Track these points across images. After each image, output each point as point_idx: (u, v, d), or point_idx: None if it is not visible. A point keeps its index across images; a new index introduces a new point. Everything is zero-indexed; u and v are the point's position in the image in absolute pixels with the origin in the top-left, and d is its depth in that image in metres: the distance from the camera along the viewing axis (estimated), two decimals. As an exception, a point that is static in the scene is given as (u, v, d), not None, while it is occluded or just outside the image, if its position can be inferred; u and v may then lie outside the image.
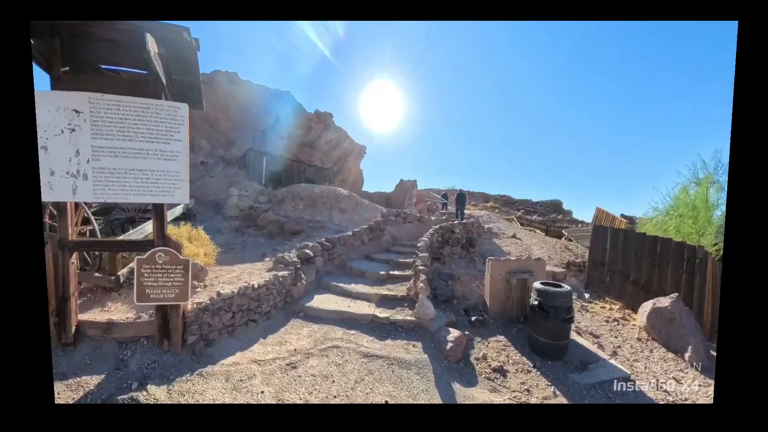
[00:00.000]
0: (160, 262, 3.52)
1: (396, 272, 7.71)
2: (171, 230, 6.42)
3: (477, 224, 13.04)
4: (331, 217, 10.77)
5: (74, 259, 3.59)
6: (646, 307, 6.89)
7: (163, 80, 3.66)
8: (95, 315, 3.96)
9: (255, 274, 5.85)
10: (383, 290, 6.68)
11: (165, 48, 3.67)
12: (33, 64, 3.51)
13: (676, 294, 6.86)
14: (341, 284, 6.79)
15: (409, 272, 7.63)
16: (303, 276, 6.27)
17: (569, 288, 5.47)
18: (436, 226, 10.09)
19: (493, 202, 49.73)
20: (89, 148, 3.32)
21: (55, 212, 3.51)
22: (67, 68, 3.64)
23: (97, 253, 4.84)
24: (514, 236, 16.40)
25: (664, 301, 6.62)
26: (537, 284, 5.75)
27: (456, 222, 11.26)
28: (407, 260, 8.40)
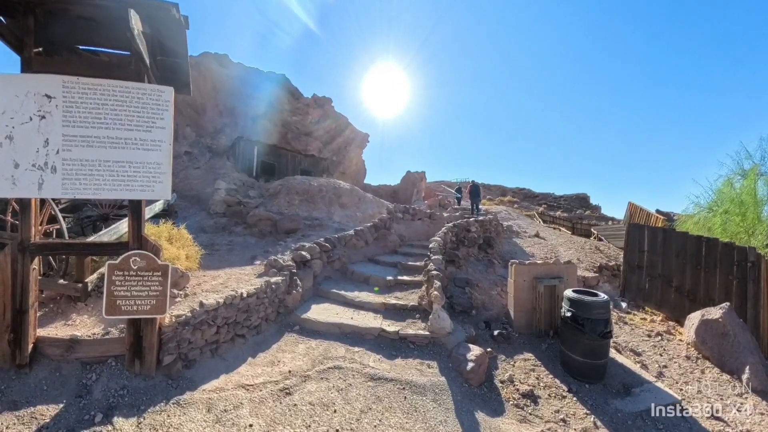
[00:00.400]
0: (135, 267, 3.35)
1: (405, 277, 7.51)
2: (149, 229, 6.26)
3: (495, 222, 12.82)
4: (331, 214, 10.59)
5: (36, 264, 3.42)
6: (694, 319, 6.65)
7: (147, 61, 3.48)
8: (57, 329, 3.79)
9: (243, 280, 5.68)
10: (391, 299, 6.49)
11: (150, 26, 3.49)
12: (1, 44, 3.36)
13: (728, 304, 6.60)
14: (342, 291, 6.61)
15: (419, 278, 7.44)
16: (299, 282, 6.09)
17: (606, 297, 5.24)
18: (450, 225, 9.88)
19: (511, 195, 49.32)
20: (60, 137, 3.17)
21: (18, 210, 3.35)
22: (40, 49, 3.47)
23: (63, 256, 4.67)
24: (537, 235, 16.16)
25: (714, 313, 6.37)
26: (569, 292, 5.53)
27: (472, 220, 11.04)
28: (417, 263, 8.21)
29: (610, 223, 39.88)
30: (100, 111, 3.24)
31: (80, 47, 3.77)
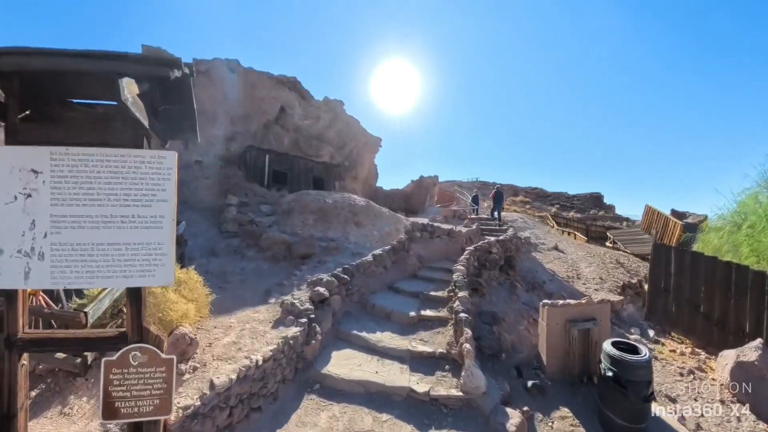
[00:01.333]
0: (136, 363, 2.87)
1: (429, 312, 7.00)
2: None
3: (515, 239, 12.20)
4: (347, 234, 10.08)
5: (25, 359, 2.95)
6: (728, 358, 6.20)
7: (146, 124, 2.97)
8: (51, 422, 3.34)
9: (259, 333, 5.20)
10: (416, 342, 5.98)
11: (150, 84, 2.98)
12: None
13: (761, 340, 6.18)
14: (364, 333, 6.11)
15: (444, 313, 6.91)
16: (317, 329, 5.60)
17: (648, 355, 4.87)
18: (471, 248, 9.31)
19: (523, 195, 48.30)
20: (48, 218, 2.68)
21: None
22: (27, 112, 2.98)
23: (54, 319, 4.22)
24: (555, 248, 15.51)
25: (749, 354, 5.97)
26: (609, 347, 5.10)
27: (493, 240, 10.45)
28: (440, 294, 7.68)
29: (624, 224, 38.79)
30: (92, 185, 2.74)
31: (74, 101, 3.28)
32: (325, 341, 5.83)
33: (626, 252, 19.13)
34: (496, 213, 17.03)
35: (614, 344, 5.13)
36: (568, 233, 23.76)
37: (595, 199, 51.02)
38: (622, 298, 11.06)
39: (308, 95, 21.22)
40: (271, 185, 16.17)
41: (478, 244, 9.62)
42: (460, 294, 6.69)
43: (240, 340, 4.79)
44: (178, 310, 5.08)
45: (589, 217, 41.42)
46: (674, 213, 30.91)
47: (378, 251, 8.83)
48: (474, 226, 13.61)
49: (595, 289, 11.88)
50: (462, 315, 5.97)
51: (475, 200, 20.28)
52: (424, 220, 15.61)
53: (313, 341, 5.30)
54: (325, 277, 6.99)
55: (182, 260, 8.69)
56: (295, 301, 5.88)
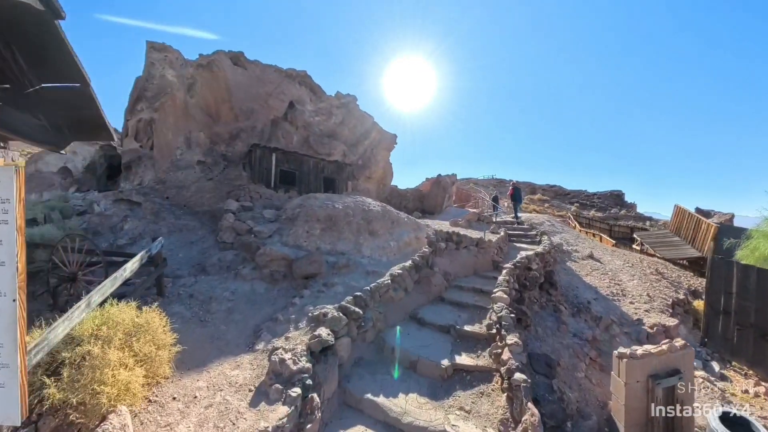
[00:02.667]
0: None
1: (466, 359, 5.20)
2: (108, 313, 4.11)
3: (553, 251, 10.29)
4: (359, 246, 8.31)
5: None
6: None
7: None
8: None
9: (230, 412, 3.46)
10: (455, 415, 4.18)
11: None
12: None
13: None
14: (381, 398, 4.35)
15: (486, 361, 5.11)
16: (316, 399, 3.84)
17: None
18: (509, 266, 7.45)
19: (541, 194, 45.92)
20: None
21: None
22: None
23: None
24: (591, 256, 13.50)
25: None
26: (715, 421, 3.60)
27: (532, 254, 8.56)
28: (476, 329, 5.88)
29: (647, 224, 36.20)
30: None
31: None
32: (328, 416, 4.08)
33: (656, 256, 17.01)
34: (516, 212, 15.37)
35: (724, 419, 3.67)
36: (593, 235, 21.62)
37: (616, 198, 48.29)
38: (677, 322, 9.21)
39: (320, 90, 19.50)
40: (278, 186, 14.51)
41: (517, 260, 7.75)
42: (510, 339, 4.85)
43: (208, 412, 3.05)
44: (117, 382, 3.38)
45: (611, 217, 38.89)
46: (698, 211, 28.38)
47: (397, 269, 7.04)
48: (502, 233, 11.71)
49: (646, 311, 9.95)
50: (518, 377, 4.15)
51: (495, 201, 18.27)
52: (444, 224, 13.75)
53: (309, 425, 3.54)
54: (331, 311, 5.23)
55: (159, 285, 7.06)
56: (286, 358, 4.12)
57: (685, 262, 16.68)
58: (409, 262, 7.38)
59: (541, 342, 6.39)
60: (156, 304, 4.86)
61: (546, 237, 11.42)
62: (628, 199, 47.64)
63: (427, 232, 9.72)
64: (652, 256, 16.92)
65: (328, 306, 5.54)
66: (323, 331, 4.77)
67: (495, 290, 6.24)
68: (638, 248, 21.20)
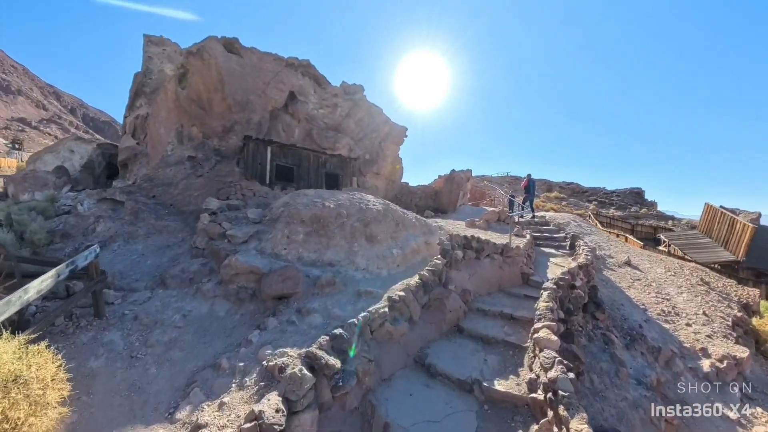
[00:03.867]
0: None
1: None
2: None
3: (593, 257, 8.06)
4: (353, 255, 6.29)
5: None
6: None
7: None
8: None
9: None
10: None
11: None
12: None
13: None
14: None
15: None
16: None
17: None
18: (551, 286, 5.30)
19: (558, 191, 42.97)
20: None
21: None
22: None
23: None
24: (628, 263, 11.17)
25: None
26: None
27: (575, 266, 6.38)
28: (511, 387, 3.78)
29: (670, 223, 33.09)
30: None
31: None
32: None
33: (686, 259, 14.50)
34: (527, 203, 13.54)
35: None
36: (616, 235, 19.09)
37: (636, 195, 44.95)
38: (747, 352, 7.04)
39: (324, 81, 17.50)
40: (274, 183, 12.64)
41: (559, 276, 5.59)
42: (575, 426, 2.72)
43: None
44: None
45: (631, 215, 35.84)
46: (725, 209, 25.53)
47: (399, 290, 5.00)
48: (527, 236, 9.50)
49: (708, 335, 7.75)
50: None
51: (511, 204, 15.85)
52: (459, 224, 11.61)
53: None
54: (292, 363, 3.24)
55: (96, 305, 5.18)
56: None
57: (717, 266, 14.12)
58: (416, 278, 5.31)
59: (601, 399, 4.27)
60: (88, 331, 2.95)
61: (580, 242, 9.17)
62: (648, 197, 44.36)
63: (439, 236, 7.62)
64: (682, 258, 14.42)
65: (290, 352, 3.54)
66: (269, 407, 2.78)
67: (537, 325, 4.14)
68: (665, 250, 18.60)
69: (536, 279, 6.55)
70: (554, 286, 5.14)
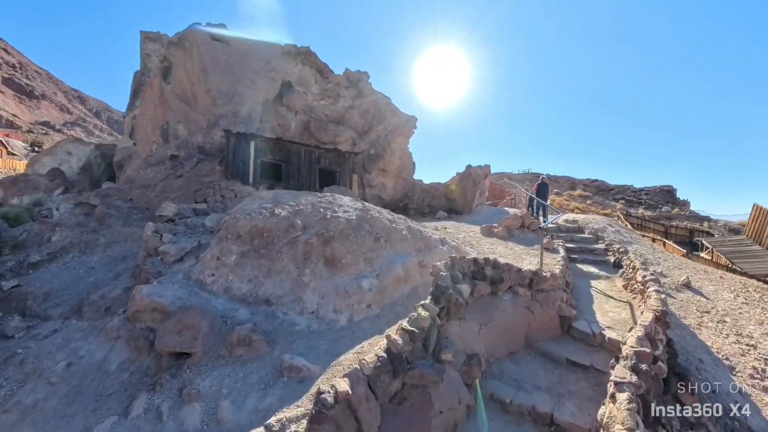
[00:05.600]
0: None
1: None
2: None
3: (664, 296, 5.35)
4: (300, 288, 4.06)
5: None
6: None
7: None
8: None
9: None
10: None
11: None
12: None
13: None
14: None
15: None
16: None
17: None
18: (628, 380, 2.76)
19: (582, 189, 39.04)
20: None
21: None
22: None
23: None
24: (687, 285, 8.37)
25: None
26: None
27: (648, 321, 3.81)
28: None
29: (705, 225, 28.98)
30: None
31: None
32: None
33: (736, 271, 11.42)
34: (542, 210, 11.33)
35: None
36: (652, 239, 15.92)
37: (666, 194, 40.32)
38: None
39: (326, 69, 15.32)
40: (258, 182, 10.61)
41: (636, 348, 3.05)
42: None
43: None
44: None
45: (663, 216, 31.80)
46: None
47: (340, 384, 2.68)
48: (560, 250, 6.97)
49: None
50: None
51: (531, 203, 12.99)
52: (474, 229, 9.19)
53: None
54: None
55: None
56: None
57: (768, 279, 10.97)
58: (380, 350, 2.89)
59: None
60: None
61: (634, 261, 6.49)
62: (680, 195, 39.82)
63: (442, 252, 5.26)
64: (731, 271, 11.33)
65: None
66: None
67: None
68: (707, 257, 15.26)
69: (581, 328, 4.10)
70: (629, 371, 2.70)
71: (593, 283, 5.89)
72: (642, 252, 10.02)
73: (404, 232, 5.51)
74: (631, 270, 5.96)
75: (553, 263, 5.40)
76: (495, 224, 8.90)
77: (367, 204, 5.57)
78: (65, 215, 10.43)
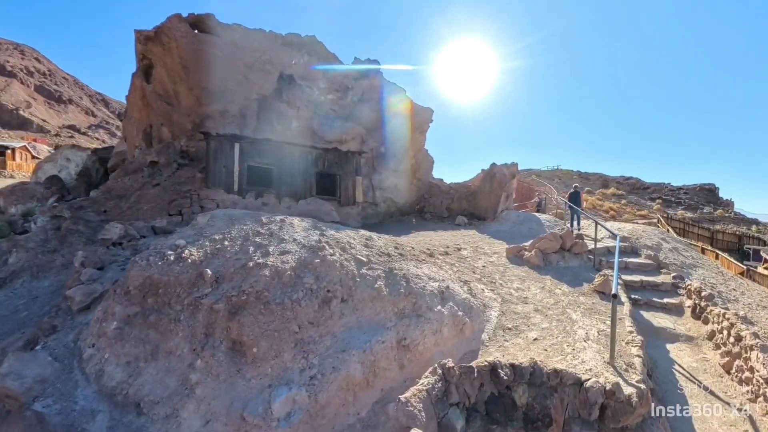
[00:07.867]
0: None
1: None
2: None
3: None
4: (183, 400, 2.31)
5: None
6: None
7: None
8: None
9: None
10: None
11: None
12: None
13: None
14: None
15: None
16: None
17: None
18: None
19: (615, 187, 35.61)
20: None
21: None
22: None
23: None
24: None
25: None
26: None
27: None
28: None
29: (754, 229, 25.24)
30: None
31: None
32: None
33: None
34: (575, 223, 10.87)
35: None
36: (701, 249, 13.38)
37: (707, 193, 36.07)
38: None
39: (335, 60, 13.60)
40: (245, 190, 9.12)
41: None
42: None
43: None
44: None
45: (705, 218, 28.20)
46: None
47: None
48: (623, 298, 4.87)
49: None
50: None
51: (573, 214, 10.72)
52: (498, 245, 7.35)
53: None
54: None
55: None
56: None
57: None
58: None
59: None
60: None
61: (731, 316, 4.39)
62: (722, 194, 35.63)
63: (439, 318, 3.46)
64: None
65: None
66: None
67: None
68: (766, 272, 12.68)
69: None
70: None
71: (672, 353, 3.87)
72: (707, 278, 7.71)
73: (378, 284, 3.61)
74: (725, 331, 3.90)
75: (627, 339, 3.33)
76: (526, 245, 6.86)
77: (328, 233, 3.78)
78: (37, 230, 9.31)
